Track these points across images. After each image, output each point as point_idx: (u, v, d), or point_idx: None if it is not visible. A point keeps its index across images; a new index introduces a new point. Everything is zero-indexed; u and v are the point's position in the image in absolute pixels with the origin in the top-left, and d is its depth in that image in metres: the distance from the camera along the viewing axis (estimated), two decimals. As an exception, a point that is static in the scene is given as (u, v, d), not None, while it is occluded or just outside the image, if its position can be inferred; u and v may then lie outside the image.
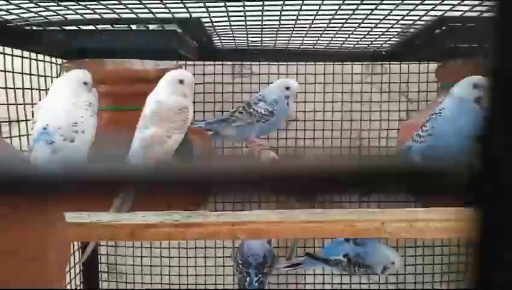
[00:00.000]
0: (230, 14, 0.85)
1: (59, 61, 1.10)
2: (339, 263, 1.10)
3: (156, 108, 0.84)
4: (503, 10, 0.17)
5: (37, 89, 1.02)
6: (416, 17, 0.88)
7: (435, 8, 0.82)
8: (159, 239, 0.49)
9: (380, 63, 1.28)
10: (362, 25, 0.94)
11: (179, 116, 0.85)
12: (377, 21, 0.91)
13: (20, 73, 0.97)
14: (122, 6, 0.78)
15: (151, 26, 0.95)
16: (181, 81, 0.86)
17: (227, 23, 0.93)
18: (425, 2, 0.79)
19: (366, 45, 1.14)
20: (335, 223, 0.46)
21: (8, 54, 0.93)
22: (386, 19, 0.89)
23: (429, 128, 0.86)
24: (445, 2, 0.79)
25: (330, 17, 0.88)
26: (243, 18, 0.88)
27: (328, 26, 0.96)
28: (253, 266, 1.12)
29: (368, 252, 1.08)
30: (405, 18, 0.88)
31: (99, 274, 1.28)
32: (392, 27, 0.95)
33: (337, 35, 1.04)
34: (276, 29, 0.99)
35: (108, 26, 0.92)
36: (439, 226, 0.46)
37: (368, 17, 0.88)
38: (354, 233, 0.47)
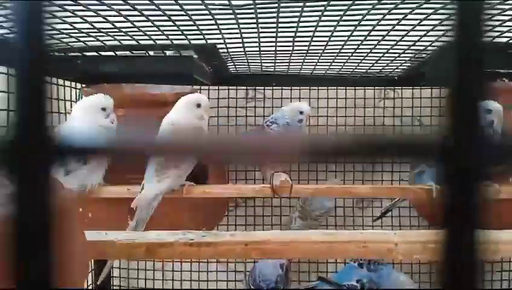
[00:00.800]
0: (244, 40, 0.88)
1: (79, 85, 1.14)
2: (352, 288, 1.09)
3: (171, 131, 0.86)
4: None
5: (56, 113, 1.05)
6: (428, 43, 0.90)
7: (446, 34, 0.83)
8: (174, 257, 0.50)
9: (392, 88, 1.29)
10: (374, 51, 0.96)
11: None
12: (389, 47, 0.93)
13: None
14: (141, 33, 0.81)
15: (168, 52, 0.98)
16: (198, 105, 0.88)
17: (242, 49, 0.95)
18: (436, 28, 0.81)
19: (378, 70, 1.15)
20: (347, 243, 0.47)
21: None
22: (398, 45, 0.91)
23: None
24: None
25: (342, 42, 0.90)
26: (257, 44, 0.91)
27: (340, 52, 0.98)
28: None
29: (382, 278, 1.07)
30: (416, 44, 0.90)
31: (112, 296, 1.28)
32: (403, 52, 0.97)
33: (349, 61, 1.06)
34: (289, 55, 1.01)
35: (127, 52, 0.96)
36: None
37: (380, 43, 0.90)
38: (365, 254, 0.47)
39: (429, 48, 0.93)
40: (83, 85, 1.12)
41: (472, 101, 0.19)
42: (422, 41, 0.87)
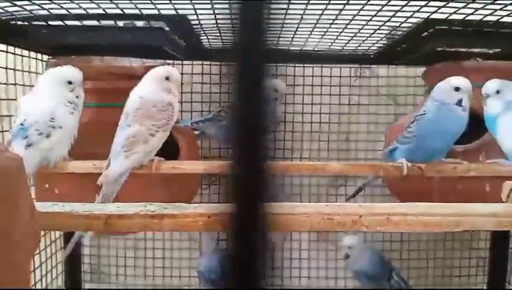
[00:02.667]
0: (216, 11, 0.85)
1: (45, 58, 1.09)
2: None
3: (139, 104, 0.83)
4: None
5: (21, 85, 1.01)
6: (403, 19, 0.88)
7: (421, 10, 0.83)
8: (134, 230, 0.48)
9: (368, 66, 1.28)
10: (349, 27, 0.95)
11: (164, 113, 0.84)
12: (364, 22, 0.91)
13: (4, 68, 0.96)
14: (107, 0, 0.77)
15: (138, 23, 0.94)
16: (167, 78, 0.85)
17: (214, 21, 0.93)
18: (410, 3, 0.79)
19: (354, 47, 1.14)
20: (311, 216, 0.46)
21: (-8, 48, 0.93)
22: (373, 20, 0.90)
23: (413, 129, 0.87)
24: (430, 3, 0.79)
25: (317, 17, 0.88)
26: (229, 16, 0.88)
27: (315, 28, 0.96)
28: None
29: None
30: (391, 20, 0.89)
31: (82, 274, 1.26)
32: (379, 29, 0.96)
33: (324, 37, 1.04)
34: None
35: (95, 22, 0.92)
36: (416, 219, 0.46)
37: (355, 19, 0.89)
38: (330, 226, 0.46)
39: (404, 24, 0.92)
40: (50, 57, 1.07)
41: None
42: (396, 16, 0.86)
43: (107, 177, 0.80)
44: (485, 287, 1.27)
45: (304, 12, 0.84)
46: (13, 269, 0.33)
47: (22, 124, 0.77)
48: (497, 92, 0.86)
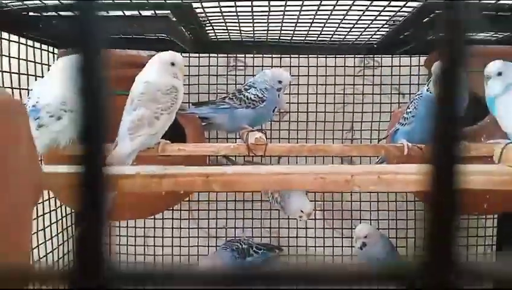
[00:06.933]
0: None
1: (56, 50, 1.13)
2: None
3: (144, 89, 0.85)
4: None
5: (33, 75, 1.05)
6: (402, 3, 0.90)
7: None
8: (135, 189, 0.51)
9: (371, 56, 1.29)
10: (349, 15, 0.96)
11: (168, 96, 0.86)
12: (363, 8, 0.93)
13: (16, 58, 0.99)
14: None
15: (144, 12, 0.97)
16: (172, 63, 0.88)
17: (219, 11, 0.95)
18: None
19: (356, 37, 1.15)
20: (305, 175, 0.48)
21: (5, 39, 0.96)
22: (372, 5, 0.91)
23: (412, 110, 0.88)
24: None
25: (316, 7, 0.90)
26: (233, 4, 0.90)
27: (315, 18, 0.98)
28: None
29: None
30: (390, 4, 0.90)
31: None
32: (379, 15, 0.97)
33: (326, 27, 1.06)
34: (266, 19, 1.01)
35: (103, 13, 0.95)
36: (407, 178, 0.47)
37: (354, 5, 0.90)
38: (323, 186, 0.48)
39: (404, 9, 0.94)
40: (60, 50, 1.11)
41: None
42: (395, 0, 0.88)
43: (114, 159, 0.82)
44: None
45: (303, 2, 0.86)
46: (11, 216, 0.34)
47: (34, 106, 0.81)
48: (499, 73, 0.87)
